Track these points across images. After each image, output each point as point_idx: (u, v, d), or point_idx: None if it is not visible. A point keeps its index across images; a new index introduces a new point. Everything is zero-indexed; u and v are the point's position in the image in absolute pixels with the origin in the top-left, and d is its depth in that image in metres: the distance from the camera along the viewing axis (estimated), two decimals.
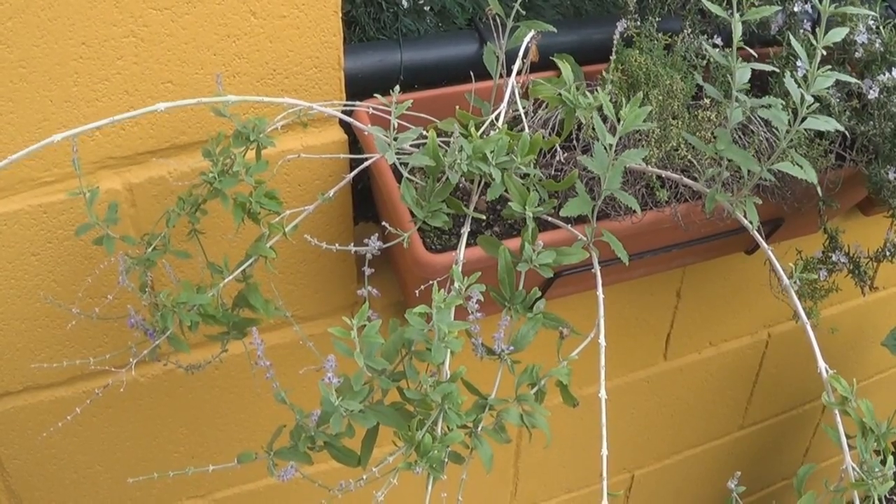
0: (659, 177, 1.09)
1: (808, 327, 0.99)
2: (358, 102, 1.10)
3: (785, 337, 1.85)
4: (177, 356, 1.12)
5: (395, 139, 0.94)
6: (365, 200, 1.24)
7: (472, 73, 1.14)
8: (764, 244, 1.03)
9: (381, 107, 1.04)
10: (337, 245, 1.00)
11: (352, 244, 1.01)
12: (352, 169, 1.09)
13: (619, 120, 0.91)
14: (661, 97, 1.07)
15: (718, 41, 1.20)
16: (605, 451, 0.90)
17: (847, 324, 1.87)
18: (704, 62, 1.20)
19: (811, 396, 2.07)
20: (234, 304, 1.02)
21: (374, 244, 0.94)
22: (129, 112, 0.93)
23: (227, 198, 0.95)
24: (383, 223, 1.04)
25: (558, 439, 1.67)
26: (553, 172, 1.11)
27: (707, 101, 1.11)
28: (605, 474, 0.90)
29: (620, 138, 0.92)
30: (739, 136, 1.14)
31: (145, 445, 1.34)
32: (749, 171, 0.98)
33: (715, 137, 0.98)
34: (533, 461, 1.72)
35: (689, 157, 1.05)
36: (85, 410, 1.23)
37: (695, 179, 1.06)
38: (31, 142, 1.00)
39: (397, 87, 0.95)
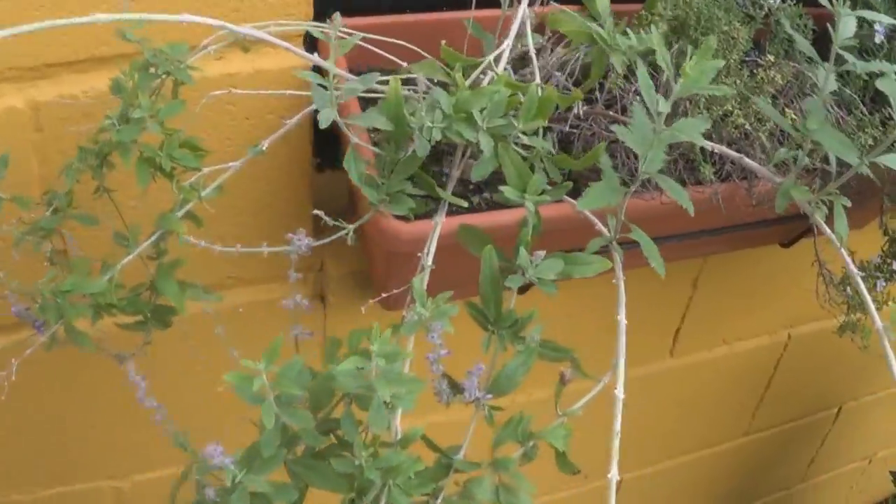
0: (702, 149, 0.86)
1: (881, 328, 0.78)
2: (312, 23, 0.86)
3: (806, 339, 1.68)
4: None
5: (337, 92, 0.69)
6: (333, 143, 1.01)
7: None
8: (851, 266, 0.80)
9: (348, 30, 0.80)
10: (266, 245, 0.81)
11: (293, 234, 0.79)
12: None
13: (676, 76, 0.66)
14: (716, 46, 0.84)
15: None
16: (614, 474, 0.68)
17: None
18: (763, 13, 0.98)
19: (825, 405, 1.92)
20: (148, 288, 0.80)
21: (301, 242, 0.75)
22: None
23: (128, 151, 0.72)
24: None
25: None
26: (568, 129, 0.88)
27: (770, 58, 0.88)
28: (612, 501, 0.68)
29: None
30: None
31: (57, 419, 1.15)
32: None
33: (802, 113, 0.73)
34: None
35: (747, 125, 0.82)
36: None
37: (751, 157, 0.82)
38: None
39: (338, 14, 0.70)
